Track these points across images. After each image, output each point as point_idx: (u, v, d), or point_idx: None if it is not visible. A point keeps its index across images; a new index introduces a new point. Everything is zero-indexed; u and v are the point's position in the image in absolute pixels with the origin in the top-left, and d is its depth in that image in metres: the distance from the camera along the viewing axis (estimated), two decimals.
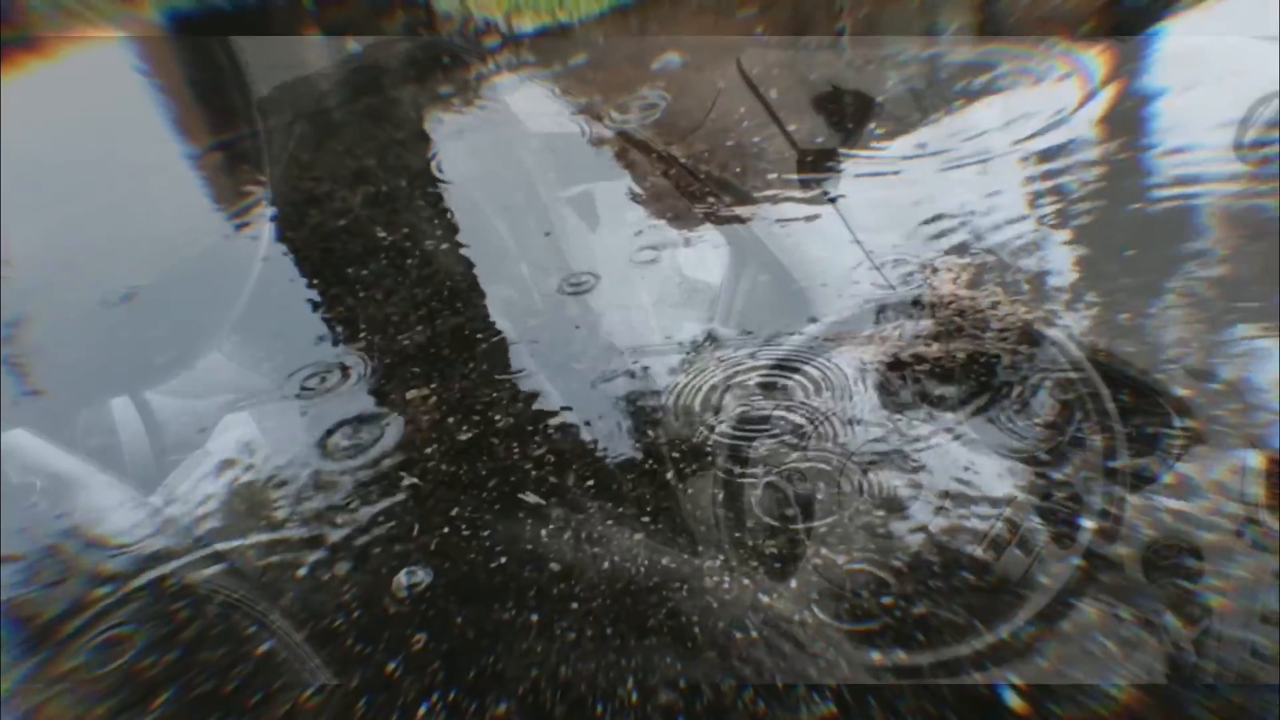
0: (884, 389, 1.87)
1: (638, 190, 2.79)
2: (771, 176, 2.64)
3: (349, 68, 3.99)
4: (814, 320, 2.09)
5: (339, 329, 2.47)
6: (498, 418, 2.04)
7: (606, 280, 2.39)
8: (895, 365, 1.92)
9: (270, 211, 3.15)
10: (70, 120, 4.55)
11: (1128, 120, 2.54)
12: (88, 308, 2.86)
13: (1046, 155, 2.45)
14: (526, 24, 3.74)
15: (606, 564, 1.62)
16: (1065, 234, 2.17)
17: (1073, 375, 1.77)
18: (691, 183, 2.72)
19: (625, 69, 3.38)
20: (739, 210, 2.55)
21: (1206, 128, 2.35)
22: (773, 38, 3.40)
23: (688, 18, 3.60)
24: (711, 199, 2.62)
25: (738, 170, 2.70)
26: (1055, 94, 2.71)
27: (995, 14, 3.31)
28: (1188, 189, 2.17)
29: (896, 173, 2.52)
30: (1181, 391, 1.65)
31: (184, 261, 3.03)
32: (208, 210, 3.42)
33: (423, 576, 1.58)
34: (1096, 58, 2.84)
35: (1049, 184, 2.35)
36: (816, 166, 2.63)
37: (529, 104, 3.36)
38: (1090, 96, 2.63)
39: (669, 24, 3.58)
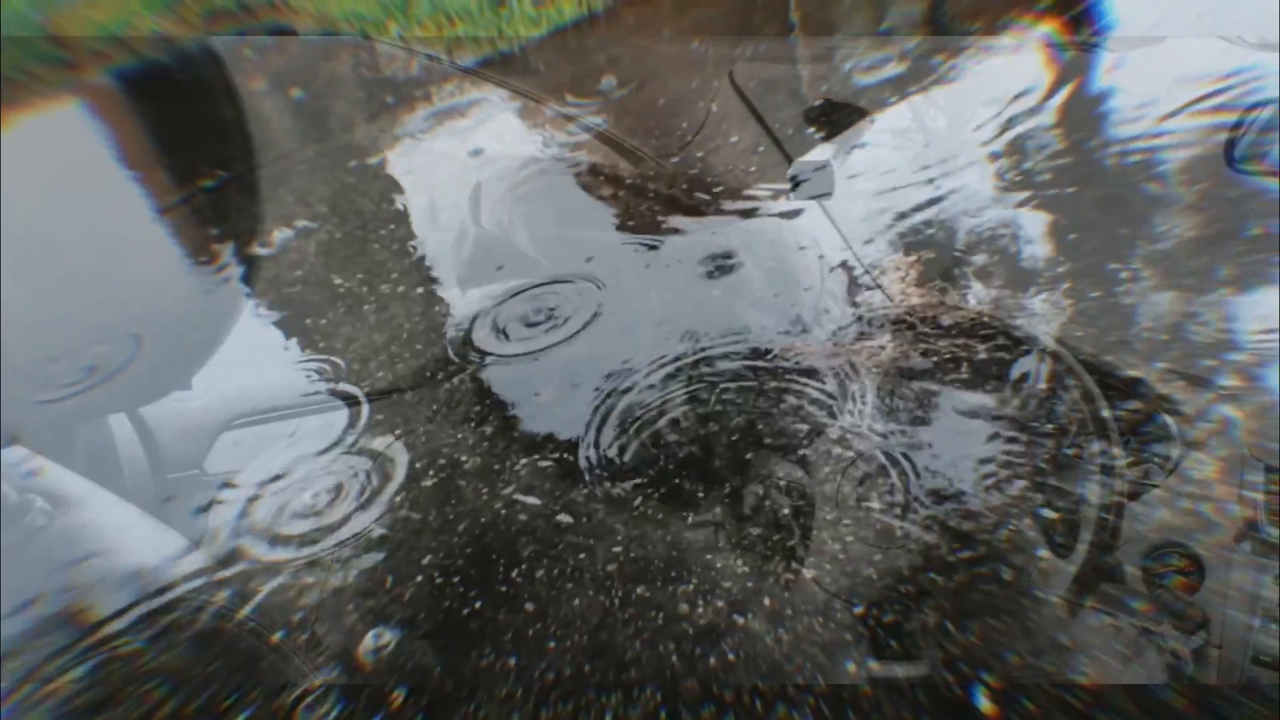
0: (869, 393, 1.88)
1: (591, 209, 2.79)
2: (718, 190, 2.65)
3: (295, 114, 3.99)
4: (805, 330, 2.10)
5: (308, 381, 2.45)
6: (464, 459, 2.03)
7: (563, 308, 2.40)
8: (869, 369, 1.94)
9: (238, 267, 3.11)
10: (28, 188, 4.49)
11: (1079, 102, 2.56)
12: (48, 377, 2.82)
13: (1006, 143, 2.46)
14: (468, 55, 3.75)
15: (579, 600, 1.61)
16: (1026, 220, 2.18)
17: (1058, 374, 1.78)
18: (645, 200, 2.73)
19: (568, 89, 3.39)
20: (697, 220, 2.56)
21: (1157, 105, 2.38)
22: (719, 46, 3.42)
23: (625, 34, 3.62)
24: (666, 213, 2.63)
25: (685, 187, 2.71)
26: (1008, 82, 2.72)
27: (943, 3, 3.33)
28: (1140, 171, 2.19)
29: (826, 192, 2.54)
30: (1175, 395, 1.64)
31: (149, 327, 3.00)
32: (172, 272, 3.38)
33: (390, 637, 1.57)
34: (1048, 42, 2.86)
35: (1008, 170, 2.37)
36: (798, 176, 2.64)
37: (476, 134, 3.36)
38: (1046, 82, 2.65)
39: (607, 42, 3.59)
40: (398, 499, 1.97)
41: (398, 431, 2.16)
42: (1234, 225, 1.96)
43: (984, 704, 1.21)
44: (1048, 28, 2.98)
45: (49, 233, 3.80)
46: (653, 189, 2.75)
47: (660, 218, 2.64)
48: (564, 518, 1.80)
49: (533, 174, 3.08)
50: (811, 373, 1.96)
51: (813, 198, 2.46)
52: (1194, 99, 2.34)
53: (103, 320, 3.02)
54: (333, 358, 2.47)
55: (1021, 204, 2.24)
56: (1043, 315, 1.91)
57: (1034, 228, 2.17)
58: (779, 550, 1.61)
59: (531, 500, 1.86)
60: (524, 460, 1.98)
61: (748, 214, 2.52)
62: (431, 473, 2.02)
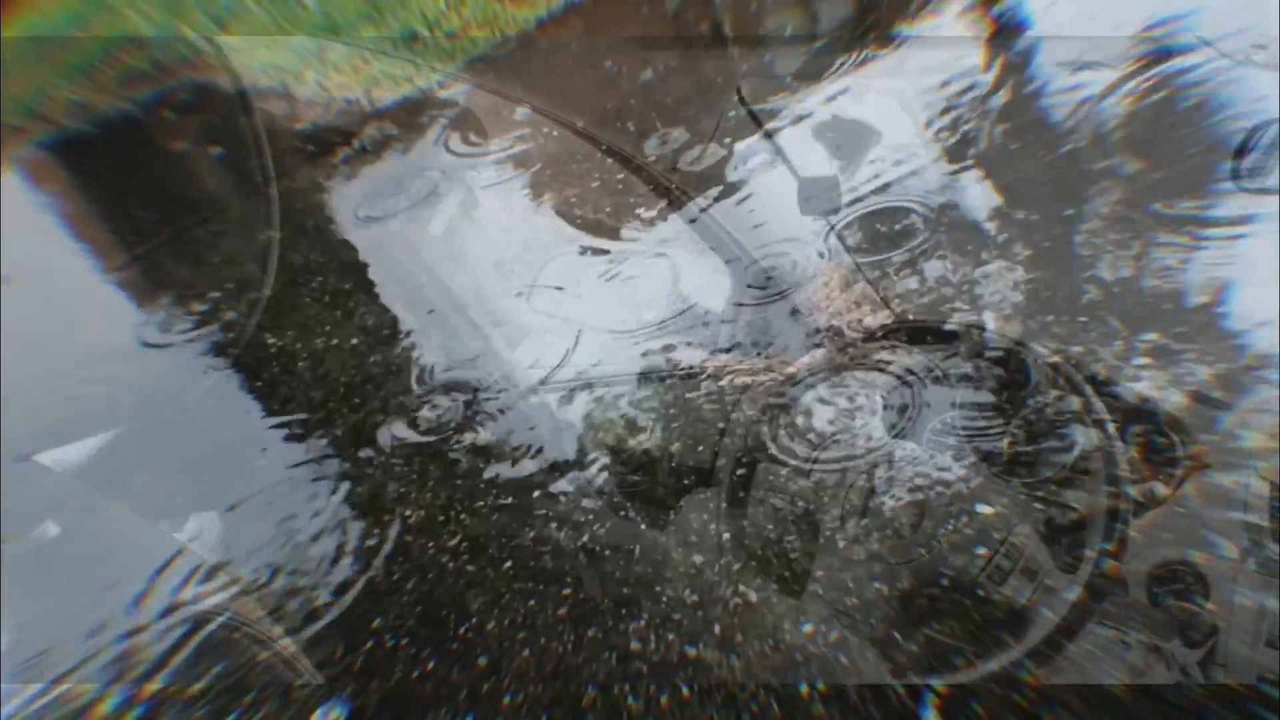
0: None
1: (515, 249, 2.78)
2: (644, 213, 2.65)
3: (216, 173, 3.93)
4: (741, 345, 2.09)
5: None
6: (409, 513, 2.00)
7: (486, 357, 2.38)
8: (810, 381, 1.93)
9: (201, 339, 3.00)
10: None
11: (1017, 94, 2.54)
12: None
13: (946, 138, 2.45)
14: (386, 96, 3.72)
15: (529, 650, 1.59)
16: (969, 212, 2.17)
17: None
18: (573, 222, 2.71)
19: (489, 122, 3.37)
20: (622, 244, 2.55)
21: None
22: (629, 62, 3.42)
23: (541, 65, 3.61)
24: (592, 240, 2.62)
25: (608, 210, 2.71)
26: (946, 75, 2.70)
27: None
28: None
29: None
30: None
31: (89, 412, 2.92)
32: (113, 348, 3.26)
33: (340, 711, 1.54)
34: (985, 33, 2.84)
35: (947, 165, 2.35)
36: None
37: (401, 175, 3.32)
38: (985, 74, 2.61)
39: (523, 74, 3.58)
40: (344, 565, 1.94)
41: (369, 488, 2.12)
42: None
43: (932, 715, 1.20)
44: (985, 20, 2.96)
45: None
46: (578, 217, 2.74)
47: (600, 234, 2.62)
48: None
49: (462, 208, 3.05)
50: (748, 389, 1.95)
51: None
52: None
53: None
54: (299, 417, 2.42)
55: (961, 195, 2.22)
56: (1008, 316, 1.91)
57: (981, 219, 2.14)
58: (727, 575, 1.60)
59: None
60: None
61: (687, 222, 2.52)
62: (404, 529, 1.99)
